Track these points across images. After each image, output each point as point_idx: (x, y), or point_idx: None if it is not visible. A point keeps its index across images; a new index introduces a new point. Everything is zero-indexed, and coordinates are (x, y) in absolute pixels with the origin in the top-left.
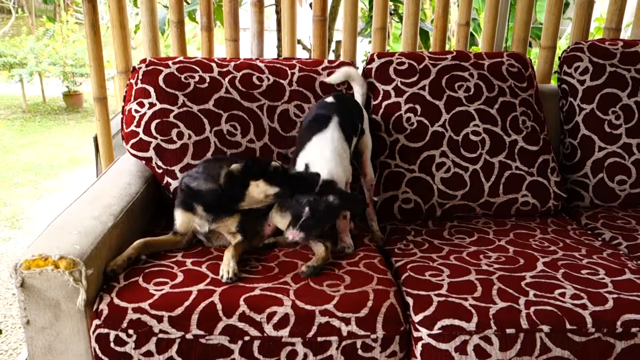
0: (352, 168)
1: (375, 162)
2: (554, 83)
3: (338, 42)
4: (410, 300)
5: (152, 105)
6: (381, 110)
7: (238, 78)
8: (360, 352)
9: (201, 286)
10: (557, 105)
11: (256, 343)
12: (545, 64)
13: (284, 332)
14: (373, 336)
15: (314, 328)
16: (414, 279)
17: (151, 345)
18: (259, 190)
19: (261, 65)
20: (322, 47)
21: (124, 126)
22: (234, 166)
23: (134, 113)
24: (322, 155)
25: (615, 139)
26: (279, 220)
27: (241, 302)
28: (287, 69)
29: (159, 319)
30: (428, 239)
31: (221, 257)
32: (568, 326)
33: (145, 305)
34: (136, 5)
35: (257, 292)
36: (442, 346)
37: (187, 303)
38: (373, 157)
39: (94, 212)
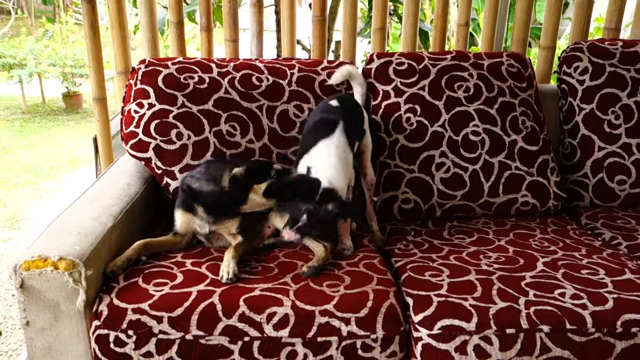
0: (354, 170)
1: (375, 162)
2: (553, 83)
3: (337, 43)
4: (410, 301)
5: (151, 105)
6: (381, 111)
7: (237, 78)
8: (360, 352)
9: (201, 287)
10: (557, 105)
11: (256, 343)
12: (544, 64)
13: (284, 333)
14: (373, 336)
15: (314, 328)
16: (413, 279)
17: (151, 346)
18: (260, 194)
19: (260, 65)
20: (322, 47)
21: (124, 127)
22: (237, 170)
23: (133, 114)
24: (326, 161)
25: (615, 139)
26: (279, 221)
27: (241, 302)
28: (286, 69)
29: (159, 320)
30: (428, 239)
31: (221, 258)
32: (568, 326)
33: (145, 306)
34: (135, 6)
35: (257, 292)
36: (442, 346)
37: (186, 304)
38: (373, 157)
39: (94, 213)
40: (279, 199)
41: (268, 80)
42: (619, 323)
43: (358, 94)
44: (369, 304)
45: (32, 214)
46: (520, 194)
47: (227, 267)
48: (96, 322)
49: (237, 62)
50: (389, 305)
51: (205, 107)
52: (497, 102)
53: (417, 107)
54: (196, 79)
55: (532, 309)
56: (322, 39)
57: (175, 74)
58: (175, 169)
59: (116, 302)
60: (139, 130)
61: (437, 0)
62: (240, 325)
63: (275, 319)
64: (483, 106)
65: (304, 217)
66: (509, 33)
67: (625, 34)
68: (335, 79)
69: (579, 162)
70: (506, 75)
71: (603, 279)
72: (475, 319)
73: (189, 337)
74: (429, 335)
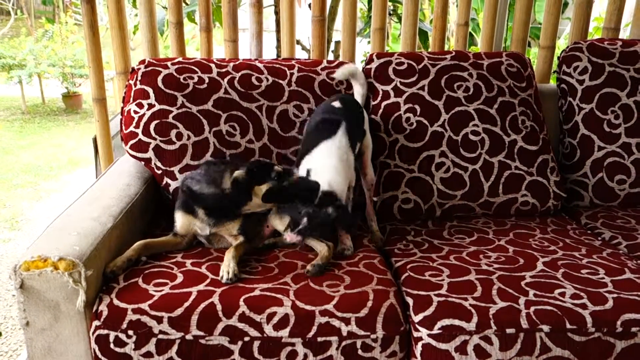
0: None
1: (375, 162)
2: (553, 83)
3: (337, 43)
4: (410, 301)
5: (151, 106)
6: (380, 111)
7: (237, 78)
8: (360, 352)
9: (201, 287)
10: (557, 105)
11: (256, 343)
12: (544, 63)
13: (284, 333)
14: (373, 336)
15: (314, 328)
16: (413, 279)
17: (151, 346)
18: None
19: (260, 65)
20: (321, 47)
21: (123, 127)
22: (238, 173)
23: (133, 114)
24: (327, 163)
25: (615, 139)
26: (278, 223)
27: (241, 302)
28: (286, 69)
29: (159, 320)
30: (428, 239)
31: (221, 258)
32: (568, 326)
33: (145, 306)
34: (135, 7)
35: (257, 292)
36: (442, 346)
37: (186, 304)
38: (373, 157)
39: (94, 213)
40: (278, 202)
41: (268, 80)
42: (619, 323)
43: (358, 94)
44: (369, 304)
45: (32, 214)
46: (520, 194)
47: (228, 267)
48: (96, 323)
49: (237, 62)
50: (389, 305)
51: (205, 108)
52: (497, 102)
53: (417, 107)
54: (196, 79)
55: (532, 308)
56: (322, 39)
57: (175, 74)
58: (175, 169)
59: (116, 302)
60: (139, 131)
61: (437, 0)
62: (241, 325)
63: (276, 319)
64: (483, 106)
65: (305, 219)
66: (508, 33)
67: (624, 33)
68: (340, 74)
69: (578, 162)
70: (506, 75)
71: (603, 278)
72: (475, 319)
73: (189, 337)
74: (429, 335)
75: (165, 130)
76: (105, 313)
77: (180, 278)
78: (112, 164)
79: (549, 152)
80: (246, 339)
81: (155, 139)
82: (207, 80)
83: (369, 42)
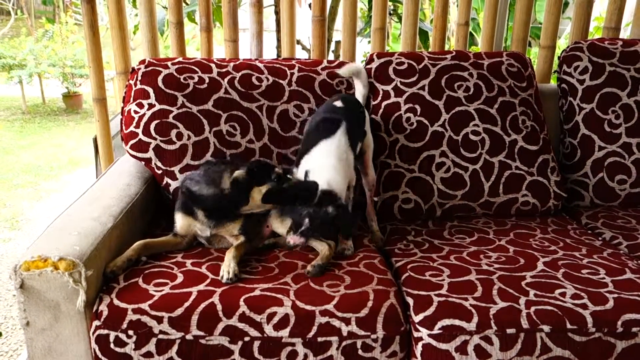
0: (355, 170)
1: (375, 162)
2: (553, 83)
3: (337, 43)
4: (410, 301)
5: (151, 106)
6: (381, 110)
7: (237, 78)
8: (360, 352)
9: (201, 287)
10: (557, 105)
11: (256, 343)
12: (544, 63)
13: (284, 333)
14: (373, 336)
15: (314, 328)
16: (414, 279)
17: (151, 346)
18: (260, 196)
19: (260, 65)
20: (322, 47)
21: (123, 127)
22: (238, 173)
23: (133, 114)
24: (326, 162)
25: (615, 139)
26: (279, 225)
27: (241, 302)
28: (286, 69)
29: (159, 320)
30: (428, 239)
31: (221, 258)
32: (569, 326)
33: (145, 306)
34: (135, 7)
35: (257, 292)
36: (443, 346)
37: (187, 304)
38: (373, 157)
39: (94, 213)
40: (278, 204)
41: (268, 80)
42: (619, 323)
43: (360, 94)
44: (370, 304)
45: (32, 214)
46: (520, 194)
47: (228, 267)
48: (96, 322)
49: (237, 62)
50: (389, 305)
51: (205, 107)
52: (497, 102)
53: (417, 106)
54: (196, 79)
55: (533, 308)
56: (322, 39)
57: (175, 74)
58: (176, 169)
59: (116, 302)
60: (139, 131)
61: (437, 0)
62: (241, 325)
63: (276, 319)
64: (483, 106)
65: (306, 220)
66: (508, 33)
67: (625, 33)
68: (345, 71)
69: (579, 162)
70: (506, 74)
71: (603, 278)
72: (475, 319)
73: (189, 337)
74: (430, 335)
75: (165, 130)
76: (105, 313)
77: (180, 278)
78: (113, 164)
79: (549, 152)
80: (246, 339)
81: (155, 138)
82: (207, 80)
83: (369, 42)
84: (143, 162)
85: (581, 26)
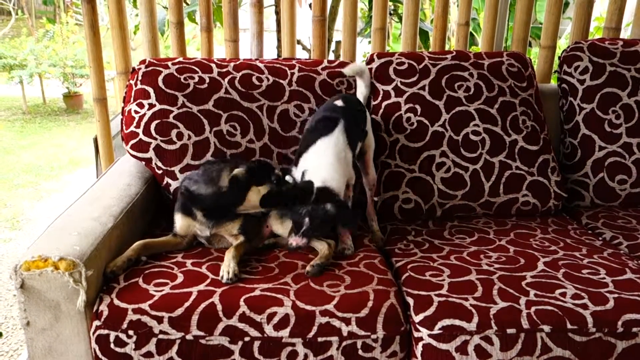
0: (355, 169)
1: (376, 162)
2: (554, 83)
3: (338, 43)
4: (410, 301)
5: (151, 106)
6: (381, 110)
7: (237, 78)
8: (360, 352)
9: (201, 287)
10: (557, 105)
11: (256, 344)
12: (545, 63)
13: (284, 333)
14: (373, 336)
15: (314, 328)
16: (414, 279)
17: (151, 346)
18: (258, 196)
19: (261, 65)
20: (322, 47)
21: (124, 127)
22: (238, 170)
23: (133, 114)
24: (323, 161)
25: (616, 139)
26: (279, 226)
27: (241, 302)
28: (286, 69)
29: (159, 320)
30: (428, 239)
31: (221, 258)
32: (569, 326)
33: (145, 306)
34: (136, 7)
35: (257, 292)
36: (443, 346)
37: (187, 304)
38: (373, 157)
39: (94, 213)
40: (276, 207)
41: (268, 80)
42: (619, 323)
43: (361, 94)
44: (370, 304)
45: (33, 214)
46: (520, 194)
47: (228, 267)
48: (96, 322)
49: (237, 62)
50: (389, 305)
51: (206, 107)
52: (498, 102)
53: (418, 106)
54: (196, 79)
55: (533, 308)
56: (322, 39)
57: (176, 74)
58: (176, 169)
59: (116, 302)
60: (140, 131)
61: (437, 0)
62: (241, 326)
63: (276, 319)
64: (483, 106)
65: (306, 220)
66: (509, 33)
67: (625, 33)
68: (349, 70)
69: (579, 162)
70: (506, 74)
71: (604, 278)
72: (476, 319)
73: (189, 337)
74: (430, 335)
75: (165, 130)
76: (105, 313)
77: (180, 278)
78: (113, 164)
79: (549, 152)
80: (246, 339)
81: (155, 138)
82: (207, 80)
83: (369, 42)
84: (143, 162)
85: (581, 26)
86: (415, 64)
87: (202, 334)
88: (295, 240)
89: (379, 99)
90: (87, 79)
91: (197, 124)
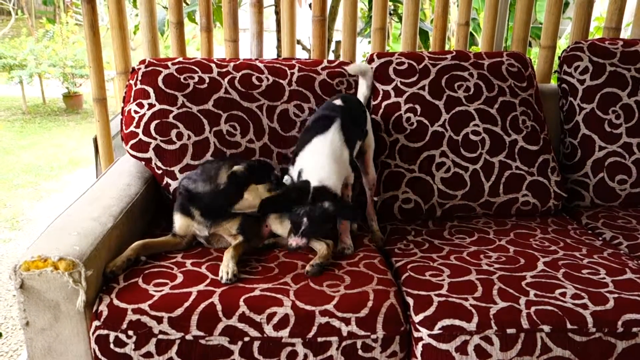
0: (354, 168)
1: (376, 162)
2: (554, 83)
3: (338, 43)
4: (410, 301)
5: (151, 106)
6: (381, 110)
7: (237, 78)
8: (360, 352)
9: (201, 287)
10: (557, 105)
11: (256, 344)
12: (545, 63)
13: (284, 333)
14: (373, 336)
15: (314, 328)
16: (414, 279)
17: (151, 346)
18: (255, 195)
19: (260, 65)
20: (322, 47)
21: (124, 127)
22: (237, 167)
23: (133, 114)
24: (319, 159)
25: (616, 139)
26: (278, 226)
27: (241, 302)
28: (286, 69)
29: (159, 320)
30: (428, 239)
31: (221, 258)
32: (569, 326)
33: (144, 306)
34: (135, 7)
35: (257, 292)
36: (443, 346)
37: (186, 304)
38: (373, 156)
39: (94, 213)
40: (274, 212)
41: (268, 80)
42: (619, 323)
43: (362, 95)
44: (369, 304)
45: (33, 214)
46: (520, 194)
47: (227, 267)
48: (96, 323)
49: (237, 62)
50: (389, 305)
51: (206, 107)
52: (498, 102)
53: (417, 106)
54: (196, 79)
55: (533, 308)
56: (322, 39)
57: (175, 74)
58: (176, 169)
59: (116, 302)
60: (139, 131)
61: (437, 0)
62: (240, 326)
63: (276, 319)
64: (483, 106)
65: (305, 220)
66: (509, 33)
67: (625, 33)
68: (353, 69)
69: (579, 162)
70: (506, 74)
71: (604, 278)
72: (475, 319)
73: (189, 337)
74: (430, 335)
75: (165, 130)
76: (105, 313)
77: (180, 278)
78: (113, 164)
79: (549, 152)
80: (246, 339)
81: (155, 138)
82: (207, 80)
83: (369, 42)
84: (143, 162)
85: (581, 26)
86: (415, 64)
87: (201, 334)
88: (294, 241)
89: (379, 98)
90: (87, 79)
91: (196, 124)
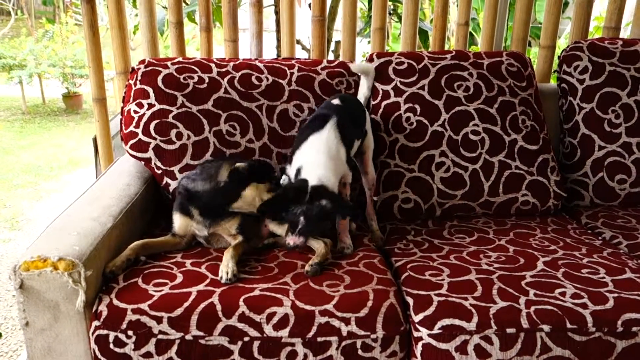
0: (353, 168)
1: (375, 161)
2: (553, 82)
3: (337, 42)
4: (410, 300)
5: (151, 105)
6: (380, 110)
7: (237, 78)
8: (360, 352)
9: (201, 287)
10: (557, 105)
11: (256, 344)
12: (544, 63)
13: (284, 333)
14: (373, 336)
15: (314, 328)
16: (414, 279)
17: (151, 346)
18: (254, 194)
19: (260, 65)
20: (321, 47)
21: (123, 127)
22: (240, 164)
23: (133, 114)
24: (315, 158)
25: (615, 138)
26: (277, 227)
27: (241, 302)
28: (286, 69)
29: (159, 320)
30: (428, 238)
31: (220, 258)
32: (569, 325)
33: (144, 306)
34: (135, 7)
35: (256, 292)
36: (443, 346)
37: (186, 304)
38: (373, 156)
39: (93, 213)
40: (274, 212)
41: (268, 80)
42: (619, 322)
43: (362, 95)
44: (369, 303)
45: (32, 214)
46: (520, 194)
47: (226, 267)
48: (96, 323)
49: (237, 62)
50: (389, 305)
51: (205, 107)
52: (497, 102)
53: (417, 106)
54: (196, 79)
55: (533, 308)
56: (322, 39)
57: (175, 74)
58: (175, 169)
59: (116, 302)
60: (139, 131)
61: (437, 0)
62: (240, 326)
63: (275, 319)
64: (483, 105)
65: (302, 218)
66: (508, 32)
67: (625, 33)
68: (355, 67)
69: (579, 162)
70: (506, 74)
71: (603, 278)
72: (475, 319)
73: (188, 337)
74: (430, 335)
75: (165, 130)
76: (104, 313)
77: (179, 278)
78: (112, 164)
79: (549, 151)
80: (246, 339)
81: (155, 138)
82: (207, 80)
83: (369, 42)
84: (143, 162)
85: (581, 26)
86: (414, 63)
87: (201, 334)
88: (292, 240)
89: (379, 98)
90: (87, 79)
91: (196, 124)
